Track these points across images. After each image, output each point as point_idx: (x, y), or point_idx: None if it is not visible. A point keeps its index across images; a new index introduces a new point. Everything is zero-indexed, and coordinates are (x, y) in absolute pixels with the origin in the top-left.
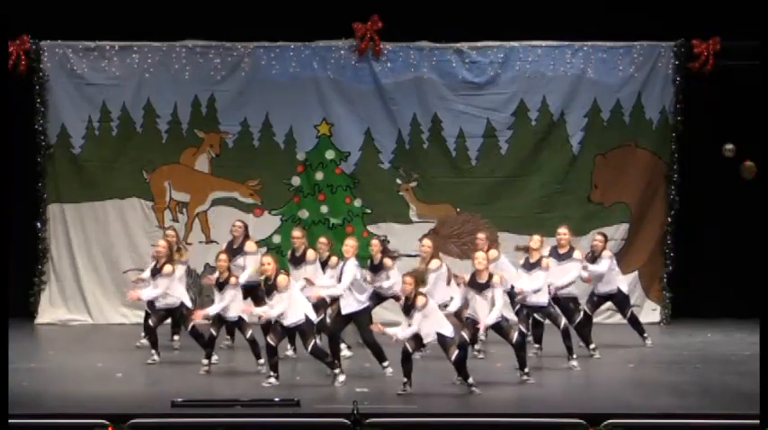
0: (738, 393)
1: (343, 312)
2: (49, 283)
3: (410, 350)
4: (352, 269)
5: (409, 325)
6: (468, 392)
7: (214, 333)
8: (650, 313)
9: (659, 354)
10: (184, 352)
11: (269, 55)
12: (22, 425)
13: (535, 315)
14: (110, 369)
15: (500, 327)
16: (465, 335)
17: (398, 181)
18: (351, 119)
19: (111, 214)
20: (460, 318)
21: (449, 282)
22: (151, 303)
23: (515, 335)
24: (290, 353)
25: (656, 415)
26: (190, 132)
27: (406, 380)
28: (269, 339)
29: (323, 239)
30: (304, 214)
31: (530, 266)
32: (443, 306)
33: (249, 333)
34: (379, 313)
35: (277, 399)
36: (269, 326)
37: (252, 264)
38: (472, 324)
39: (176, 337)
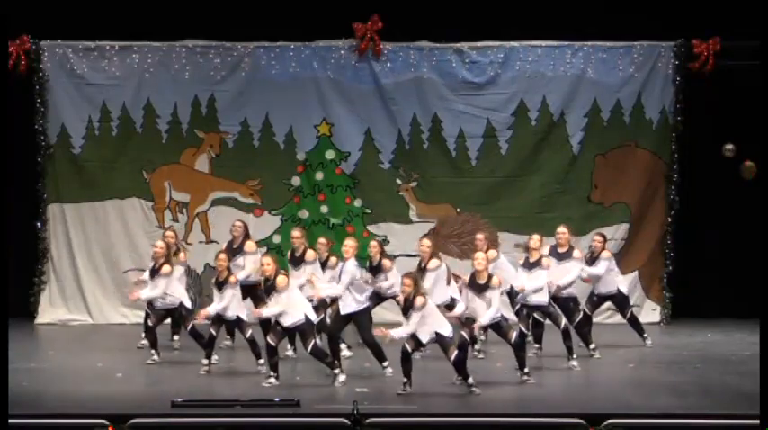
0: (738, 393)
1: (343, 312)
2: (48, 283)
3: (409, 350)
4: (351, 269)
5: (407, 324)
6: (468, 392)
7: (214, 333)
8: (650, 313)
9: (659, 354)
10: (184, 352)
11: (269, 55)
12: (22, 425)
13: (535, 315)
14: (110, 369)
15: (499, 327)
16: (465, 335)
17: (398, 181)
18: (351, 119)
19: (111, 214)
20: (460, 318)
21: (449, 282)
22: (151, 303)
23: (514, 335)
24: (290, 353)
25: (656, 415)
26: (190, 132)
27: (406, 380)
28: (269, 339)
29: (322, 240)
30: (304, 214)
31: (530, 266)
32: (446, 306)
33: (249, 333)
34: (380, 313)
35: (277, 399)
36: (269, 327)
37: (251, 264)
38: (471, 324)
39: (176, 337)
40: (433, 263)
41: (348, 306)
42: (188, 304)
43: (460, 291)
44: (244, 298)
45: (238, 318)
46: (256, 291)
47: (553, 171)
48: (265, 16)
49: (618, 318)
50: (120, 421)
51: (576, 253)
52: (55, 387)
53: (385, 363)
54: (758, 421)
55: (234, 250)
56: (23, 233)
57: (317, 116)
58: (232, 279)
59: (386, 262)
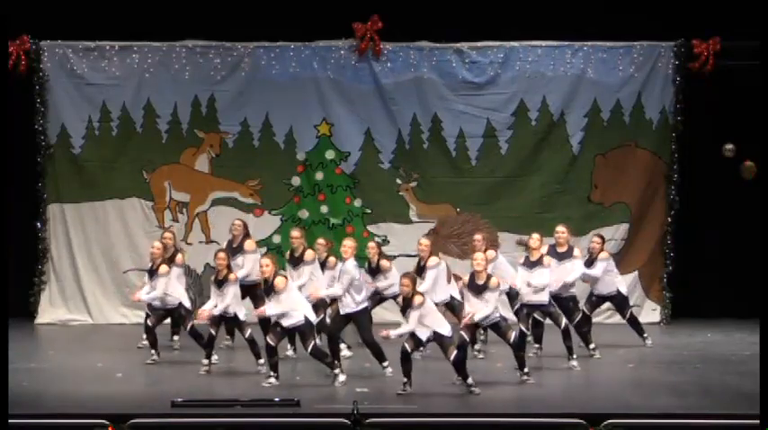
0: (738, 393)
1: (343, 312)
2: (49, 283)
3: (409, 350)
4: (350, 270)
5: (406, 324)
6: (468, 392)
7: (213, 333)
8: (650, 313)
9: (659, 354)
10: (184, 352)
11: (269, 55)
12: (22, 425)
13: (535, 314)
14: (110, 369)
15: (498, 327)
16: (464, 335)
17: (398, 181)
18: (351, 119)
19: (111, 214)
20: (459, 318)
21: (449, 280)
22: (150, 303)
23: (513, 335)
24: (290, 353)
25: (656, 415)
26: (190, 132)
27: (406, 380)
28: (268, 339)
29: (321, 240)
30: (304, 214)
31: (531, 265)
32: (445, 304)
33: (248, 332)
34: (380, 313)
35: (277, 399)
36: (268, 327)
37: (250, 263)
38: (471, 324)
39: (176, 337)
40: (433, 260)
41: (348, 306)
42: (187, 304)
43: (461, 292)
44: (243, 297)
45: (236, 317)
46: (255, 291)
47: (553, 171)
48: (265, 16)
49: (618, 318)
50: (120, 421)
51: (576, 251)
52: (55, 387)
53: (385, 363)
54: (758, 421)
55: (234, 249)
56: (23, 233)
57: (317, 116)
58: (232, 277)
59: (384, 262)
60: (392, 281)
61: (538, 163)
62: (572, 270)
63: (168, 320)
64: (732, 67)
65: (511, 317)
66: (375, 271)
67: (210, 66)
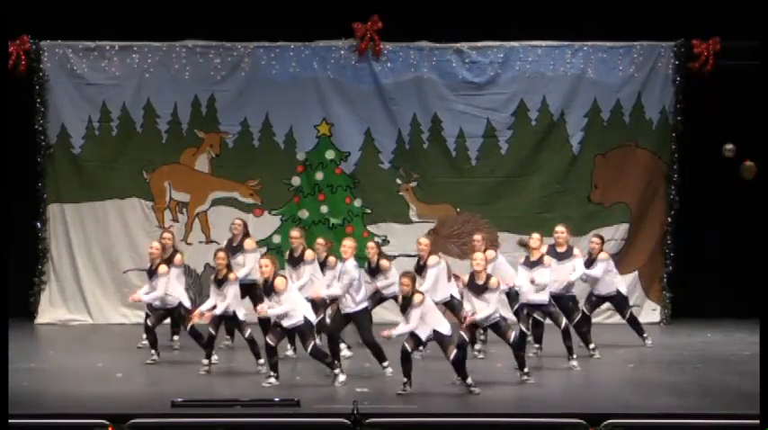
0: (738, 393)
1: (343, 312)
2: (49, 283)
3: (409, 350)
4: (350, 270)
5: (407, 323)
6: (468, 392)
7: (213, 332)
8: (650, 313)
9: (659, 354)
10: (184, 352)
11: (269, 55)
12: (22, 425)
13: (535, 314)
14: (110, 369)
15: (498, 327)
16: (464, 334)
17: (398, 181)
18: (351, 119)
19: (111, 214)
20: (459, 318)
21: (449, 278)
22: (150, 303)
23: (513, 335)
24: (290, 353)
25: (656, 415)
26: (190, 132)
27: (405, 380)
28: (268, 339)
29: (320, 240)
30: (304, 214)
31: (531, 265)
32: (445, 303)
33: (248, 332)
34: (380, 313)
35: (277, 399)
36: (268, 327)
37: (251, 262)
38: (471, 324)
39: (176, 337)
40: (433, 259)
41: (348, 306)
42: (187, 304)
43: (460, 292)
44: (242, 297)
45: (236, 316)
46: (255, 291)
47: (553, 171)
48: (265, 16)
49: (618, 318)
50: (120, 421)
51: (575, 251)
52: (55, 387)
53: (385, 363)
54: (758, 421)
55: (234, 248)
56: (23, 233)
57: (317, 116)
58: (232, 276)
59: (384, 262)
60: (392, 280)
61: (538, 163)
62: (573, 269)
63: (168, 320)
64: (732, 67)
65: (511, 317)
66: (375, 271)
67: (210, 66)
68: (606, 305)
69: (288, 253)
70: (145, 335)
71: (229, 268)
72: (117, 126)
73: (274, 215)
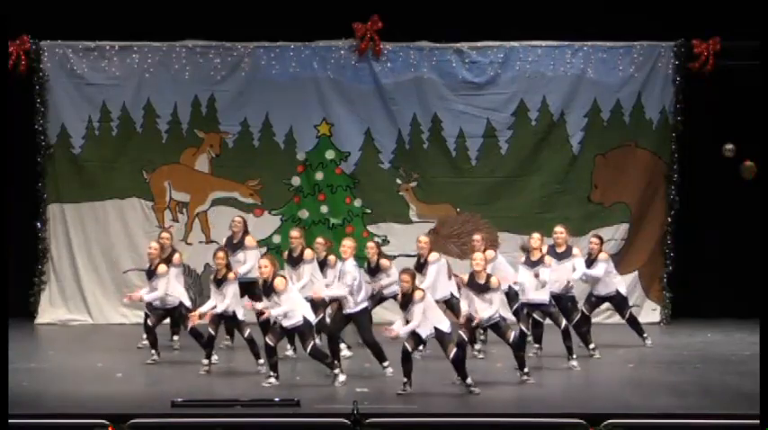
0: (738, 393)
1: (343, 312)
2: (49, 283)
3: (410, 349)
4: (351, 269)
5: (407, 320)
6: (468, 392)
7: (213, 332)
8: (650, 313)
9: (659, 354)
10: (184, 352)
11: (269, 55)
12: (22, 425)
13: (535, 314)
14: (110, 369)
15: (498, 327)
16: (464, 334)
17: (398, 181)
18: (351, 119)
19: (111, 214)
20: (459, 316)
21: (450, 276)
22: (150, 303)
23: (512, 335)
24: (290, 353)
25: (656, 415)
26: (190, 132)
27: (406, 380)
28: (267, 339)
29: (320, 239)
30: (304, 214)
31: (532, 264)
32: (444, 301)
33: (247, 332)
34: (380, 313)
35: (277, 399)
36: (268, 327)
37: (252, 259)
38: (470, 323)
39: (176, 337)
40: (433, 256)
41: (347, 306)
42: (188, 304)
43: (459, 288)
44: (242, 296)
45: (235, 316)
46: (254, 290)
47: (553, 171)
48: (265, 16)
49: (617, 318)
50: (120, 421)
51: (575, 250)
52: (55, 387)
53: (385, 363)
54: (758, 421)
55: (234, 245)
56: (23, 233)
57: (317, 116)
58: (231, 275)
59: (384, 262)
60: (392, 280)
61: (538, 163)
62: (573, 269)
63: (168, 320)
64: (732, 67)
65: (510, 317)
66: (374, 270)
67: (210, 66)
68: (606, 305)
69: (287, 253)
70: (145, 335)
71: (229, 268)
72: (117, 126)
73: (274, 215)
